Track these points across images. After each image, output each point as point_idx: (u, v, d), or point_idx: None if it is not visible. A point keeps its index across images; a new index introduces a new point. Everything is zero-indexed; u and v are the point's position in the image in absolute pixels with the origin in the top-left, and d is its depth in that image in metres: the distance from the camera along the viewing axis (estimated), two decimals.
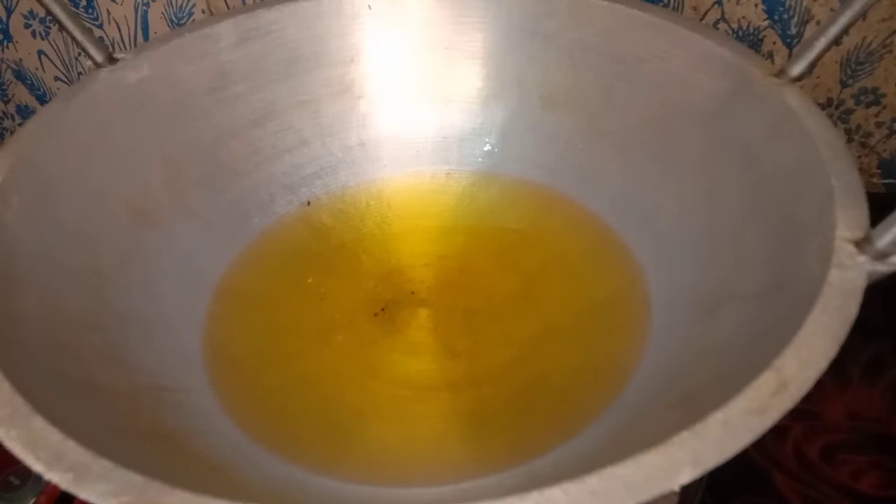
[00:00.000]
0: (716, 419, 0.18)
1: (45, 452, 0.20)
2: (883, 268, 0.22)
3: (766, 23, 0.45)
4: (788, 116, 0.29)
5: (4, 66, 0.62)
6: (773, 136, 0.29)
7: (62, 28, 0.35)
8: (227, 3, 0.52)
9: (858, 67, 0.45)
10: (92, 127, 0.35)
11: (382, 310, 0.36)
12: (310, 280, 0.38)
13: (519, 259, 0.38)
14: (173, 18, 0.54)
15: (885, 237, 0.22)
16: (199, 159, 0.39)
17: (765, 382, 0.19)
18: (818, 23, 0.44)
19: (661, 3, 0.45)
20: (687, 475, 0.17)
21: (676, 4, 0.46)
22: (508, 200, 0.41)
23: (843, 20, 0.29)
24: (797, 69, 0.30)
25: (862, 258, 0.22)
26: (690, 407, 0.21)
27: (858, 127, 0.48)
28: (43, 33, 0.58)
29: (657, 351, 0.31)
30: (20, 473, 0.37)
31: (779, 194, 0.28)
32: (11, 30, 0.59)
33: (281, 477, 0.28)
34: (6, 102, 0.65)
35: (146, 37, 0.56)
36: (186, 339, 0.34)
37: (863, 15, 0.29)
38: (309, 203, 0.42)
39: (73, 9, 0.53)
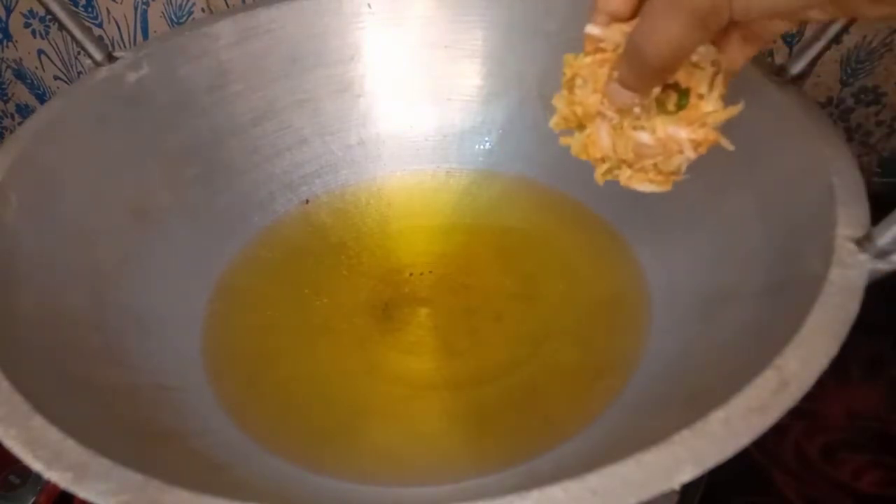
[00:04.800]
0: (717, 417, 0.18)
1: (44, 451, 0.20)
2: (884, 266, 0.22)
3: None
4: (789, 115, 0.29)
5: (4, 65, 0.62)
6: (774, 135, 0.29)
7: (62, 27, 0.35)
8: (226, 2, 0.52)
9: (859, 66, 0.45)
10: (91, 126, 0.34)
11: (382, 308, 0.36)
12: (309, 280, 0.38)
13: (519, 258, 0.38)
14: (173, 17, 0.54)
15: (885, 235, 0.22)
16: (199, 158, 0.39)
17: (766, 381, 0.19)
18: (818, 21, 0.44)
19: None
20: (688, 473, 0.17)
21: None
22: (509, 199, 0.41)
23: (843, 19, 0.29)
24: (797, 68, 0.30)
25: (863, 256, 0.22)
26: (691, 405, 0.21)
27: (859, 126, 0.48)
28: (43, 32, 0.58)
29: (658, 350, 0.31)
30: (20, 472, 0.37)
31: (780, 193, 0.28)
32: (11, 29, 0.59)
33: (279, 476, 0.28)
34: (6, 101, 0.65)
35: (146, 35, 0.56)
36: (186, 338, 0.34)
37: None
38: (308, 201, 0.42)
39: (73, 8, 0.53)
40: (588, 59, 0.25)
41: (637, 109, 0.24)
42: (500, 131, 0.42)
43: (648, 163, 0.25)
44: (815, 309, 0.21)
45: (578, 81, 0.26)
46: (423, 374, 0.33)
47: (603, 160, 0.26)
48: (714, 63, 0.24)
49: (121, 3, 0.54)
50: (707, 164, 0.33)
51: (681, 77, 0.24)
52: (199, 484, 0.19)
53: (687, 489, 0.33)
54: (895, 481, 0.34)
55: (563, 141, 0.27)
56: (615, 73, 0.24)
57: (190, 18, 0.54)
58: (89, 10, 0.55)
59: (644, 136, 0.25)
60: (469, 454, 0.30)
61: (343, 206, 0.41)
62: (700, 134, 0.24)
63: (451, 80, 0.42)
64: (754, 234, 0.29)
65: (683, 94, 0.24)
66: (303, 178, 0.42)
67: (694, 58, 0.23)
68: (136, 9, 0.54)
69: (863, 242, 0.22)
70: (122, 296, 0.32)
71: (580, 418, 0.29)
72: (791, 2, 0.17)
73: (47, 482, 0.28)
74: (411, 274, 0.38)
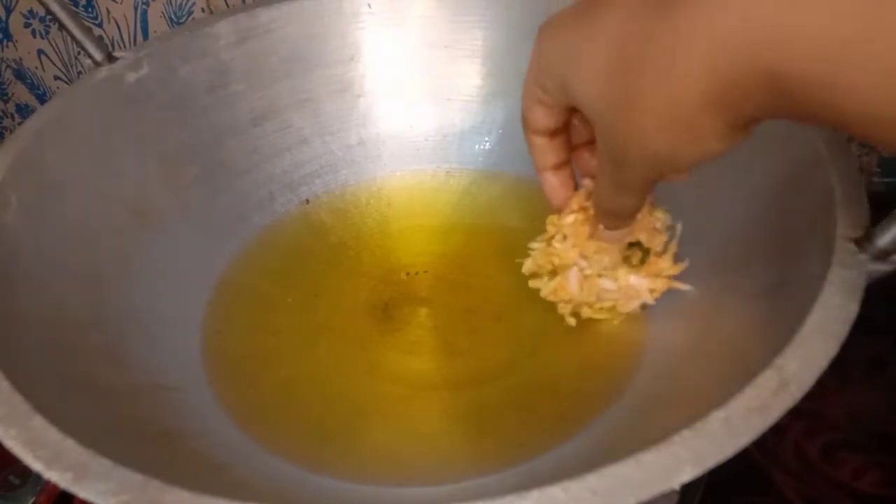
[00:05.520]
0: (717, 418, 0.18)
1: (44, 451, 0.20)
2: (884, 266, 0.22)
3: None
4: None
5: (4, 65, 0.62)
6: (774, 135, 0.29)
7: (62, 27, 0.35)
8: (226, 2, 0.52)
9: None
10: (91, 126, 0.34)
11: (382, 308, 0.36)
12: (309, 280, 0.38)
13: (519, 258, 0.38)
14: (173, 17, 0.54)
15: (885, 236, 0.22)
16: (199, 158, 0.39)
17: (766, 381, 0.19)
18: None
19: None
20: (688, 474, 0.17)
21: None
22: (509, 199, 0.41)
23: None
24: None
25: (863, 256, 0.22)
26: (691, 405, 0.21)
27: None
28: (43, 32, 0.58)
29: (658, 350, 0.31)
30: (20, 472, 0.37)
31: (779, 193, 0.28)
32: (11, 29, 0.59)
33: (280, 475, 0.28)
34: (6, 101, 0.65)
35: (146, 35, 0.56)
36: (185, 338, 0.34)
37: None
38: (308, 201, 0.42)
39: (73, 8, 0.53)
40: (571, 219, 0.30)
41: (607, 260, 0.30)
42: (500, 131, 0.42)
43: (608, 304, 0.31)
44: (815, 309, 0.21)
45: (559, 237, 0.30)
46: (423, 374, 0.33)
47: (568, 301, 0.31)
48: (670, 228, 0.30)
49: (121, 3, 0.54)
50: (706, 165, 0.33)
51: (644, 238, 0.30)
52: (199, 484, 0.19)
53: (687, 489, 0.33)
54: (895, 481, 0.34)
55: (532, 284, 0.32)
56: (600, 226, 0.28)
57: (190, 18, 0.54)
58: (89, 10, 0.55)
59: (608, 283, 0.30)
60: (469, 454, 0.30)
61: (343, 206, 0.41)
62: (657, 283, 0.30)
63: (451, 80, 0.42)
64: (754, 234, 0.29)
65: (646, 252, 0.30)
66: (303, 178, 0.42)
67: (657, 224, 0.30)
68: (136, 9, 0.55)
69: (863, 242, 0.22)
70: (122, 296, 0.32)
71: (580, 418, 0.29)
72: (706, 156, 0.20)
73: (47, 482, 0.28)
74: (410, 274, 0.38)
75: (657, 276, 0.30)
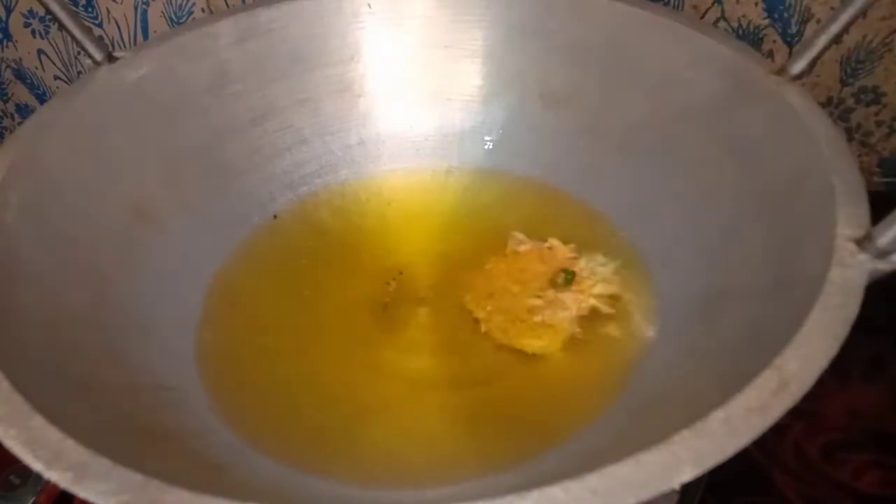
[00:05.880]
0: (717, 417, 0.18)
1: (44, 451, 0.20)
2: (884, 266, 0.22)
3: (766, 21, 0.45)
4: (789, 115, 0.29)
5: (4, 65, 0.62)
6: (774, 134, 0.29)
7: (62, 27, 0.35)
8: (226, 2, 0.52)
9: (859, 66, 0.45)
10: (91, 126, 0.34)
11: (382, 308, 0.36)
12: (308, 280, 0.38)
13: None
14: (173, 17, 0.54)
15: (885, 235, 0.22)
16: (199, 158, 0.39)
17: (766, 381, 0.19)
18: (818, 21, 0.44)
19: (662, 2, 0.45)
20: (688, 474, 0.17)
21: (676, 3, 0.46)
22: (509, 199, 0.41)
23: (843, 18, 0.29)
24: (797, 68, 0.30)
25: (863, 256, 0.22)
26: (691, 406, 0.21)
27: (859, 125, 0.48)
28: (43, 32, 0.58)
29: (658, 350, 0.31)
30: (20, 472, 0.37)
31: (780, 193, 0.28)
32: (11, 29, 0.59)
33: (279, 476, 0.28)
34: (6, 101, 0.65)
35: (146, 35, 0.56)
36: (185, 338, 0.34)
37: (863, 13, 0.29)
38: (303, 197, 0.41)
39: (73, 7, 0.53)
40: (503, 266, 0.36)
41: (535, 285, 0.34)
42: (501, 131, 0.42)
43: (538, 318, 0.33)
44: (815, 309, 0.21)
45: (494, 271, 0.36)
46: (423, 373, 0.33)
47: (498, 314, 0.34)
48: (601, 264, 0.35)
49: (121, 3, 0.54)
50: (707, 164, 0.33)
51: (569, 264, 0.35)
52: (199, 484, 0.19)
53: (687, 489, 0.33)
54: (895, 481, 0.34)
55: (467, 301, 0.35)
56: None
57: (190, 18, 0.54)
58: (89, 10, 0.55)
59: (536, 301, 0.34)
60: (469, 454, 0.30)
61: (343, 206, 0.41)
62: (581, 299, 0.34)
63: (451, 80, 0.42)
64: (754, 234, 0.29)
65: (571, 275, 0.35)
66: (303, 178, 0.42)
67: (573, 254, 0.36)
68: (136, 9, 0.55)
69: (863, 242, 0.22)
70: (122, 296, 0.32)
71: (580, 418, 0.29)
72: None
73: (47, 482, 0.28)
74: (410, 273, 0.38)
75: (581, 291, 0.34)
